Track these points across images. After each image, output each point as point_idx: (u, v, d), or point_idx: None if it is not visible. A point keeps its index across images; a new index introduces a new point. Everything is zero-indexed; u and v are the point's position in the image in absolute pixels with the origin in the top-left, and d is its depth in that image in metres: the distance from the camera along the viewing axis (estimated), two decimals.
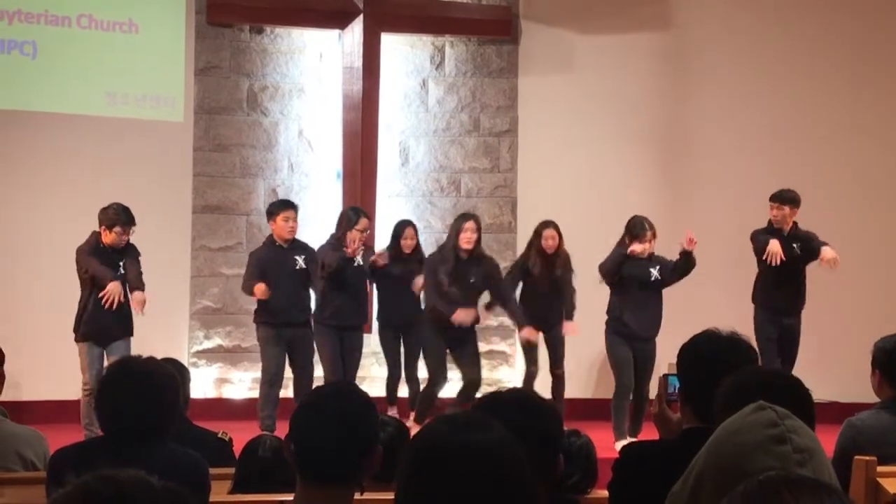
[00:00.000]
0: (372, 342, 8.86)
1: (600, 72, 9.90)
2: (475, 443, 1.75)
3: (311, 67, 9.84)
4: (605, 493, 2.98)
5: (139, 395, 3.10)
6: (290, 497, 2.49)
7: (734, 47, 9.85)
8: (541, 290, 8.25)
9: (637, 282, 7.78)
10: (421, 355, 8.17)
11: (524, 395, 2.60)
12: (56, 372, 8.45)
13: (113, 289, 7.26)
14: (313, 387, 7.57)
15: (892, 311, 8.77)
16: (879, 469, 3.63)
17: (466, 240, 7.71)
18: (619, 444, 7.66)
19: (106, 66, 9.36)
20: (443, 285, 7.66)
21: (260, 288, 7.77)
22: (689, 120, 9.91)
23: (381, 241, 9.63)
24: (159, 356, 3.53)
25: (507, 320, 9.78)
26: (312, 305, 8.07)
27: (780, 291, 7.95)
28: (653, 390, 6.15)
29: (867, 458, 3.63)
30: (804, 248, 7.98)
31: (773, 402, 1.77)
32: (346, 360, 7.95)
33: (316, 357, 8.08)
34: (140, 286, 7.48)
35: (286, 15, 9.69)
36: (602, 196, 9.69)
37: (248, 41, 9.77)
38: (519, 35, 10.01)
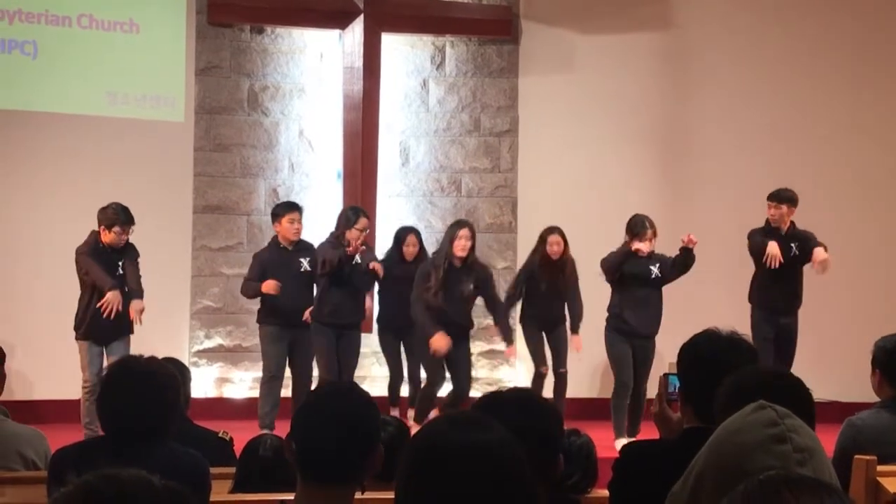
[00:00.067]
0: (372, 342, 8.86)
1: (601, 72, 9.90)
2: (475, 442, 1.75)
3: (312, 67, 9.84)
4: (605, 492, 2.98)
5: (140, 395, 3.10)
6: (290, 496, 2.49)
7: (734, 47, 9.85)
8: (544, 293, 8.26)
9: (637, 279, 7.78)
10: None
11: (524, 394, 2.60)
12: (56, 371, 8.46)
13: (112, 298, 7.27)
14: (312, 387, 7.62)
15: (893, 311, 8.77)
16: (879, 468, 3.63)
17: (461, 247, 7.66)
18: (619, 443, 7.70)
19: (106, 66, 9.36)
20: (428, 298, 7.60)
21: (271, 284, 7.77)
22: (690, 120, 9.91)
23: (381, 241, 9.64)
24: (160, 356, 3.54)
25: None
26: None
27: (777, 291, 7.95)
28: (652, 389, 6.16)
29: (867, 457, 3.63)
30: (802, 247, 7.98)
31: (774, 401, 1.77)
32: (343, 359, 7.93)
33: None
34: (139, 294, 7.49)
35: (287, 15, 9.69)
36: (602, 196, 9.69)
37: (248, 41, 9.78)
38: (519, 35, 10.01)
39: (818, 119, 9.78)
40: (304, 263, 7.92)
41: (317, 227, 8.73)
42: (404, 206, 9.90)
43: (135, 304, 7.41)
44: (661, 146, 9.90)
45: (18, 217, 9.07)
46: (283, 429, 2.49)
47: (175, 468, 2.76)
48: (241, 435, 4.59)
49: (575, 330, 8.31)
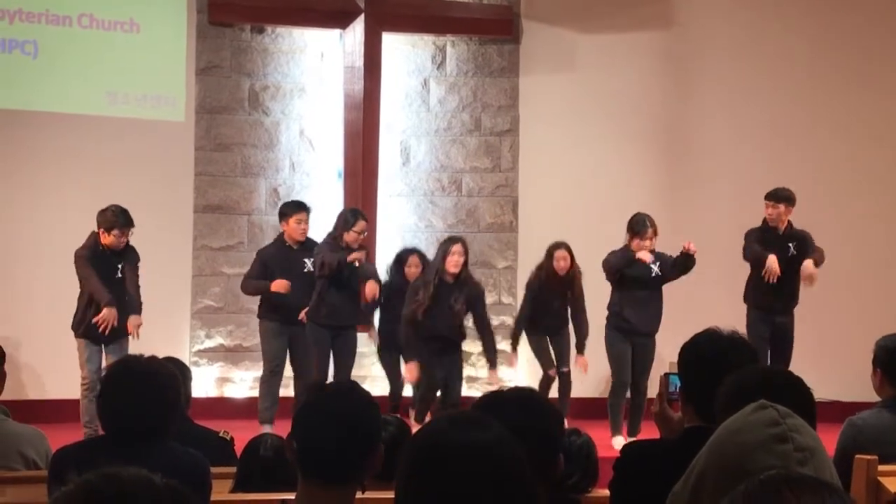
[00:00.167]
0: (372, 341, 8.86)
1: (602, 71, 9.90)
2: (475, 442, 1.75)
3: (313, 67, 9.84)
4: (605, 492, 2.98)
5: (140, 395, 3.10)
6: (291, 496, 2.49)
7: (735, 46, 9.85)
8: (550, 305, 8.28)
9: (638, 279, 7.78)
10: None
11: (525, 394, 2.60)
12: (57, 371, 8.46)
13: (107, 315, 7.30)
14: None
15: (894, 310, 8.77)
16: (880, 468, 3.63)
17: (454, 263, 7.65)
18: (616, 440, 7.71)
19: (107, 66, 9.36)
20: (416, 312, 7.61)
21: (283, 284, 7.77)
22: (691, 119, 9.91)
23: (382, 241, 9.65)
24: (161, 355, 3.54)
25: (508, 320, 9.79)
26: None
27: (773, 291, 7.93)
28: (652, 388, 6.16)
29: (868, 457, 3.63)
30: (799, 247, 7.97)
31: (774, 401, 1.77)
32: (339, 358, 7.93)
33: None
34: (136, 307, 7.49)
35: (287, 14, 9.69)
36: (603, 195, 9.69)
37: (249, 41, 9.78)
38: (520, 34, 10.01)
39: (819, 117, 9.78)
40: (308, 263, 7.93)
41: (317, 226, 8.72)
42: (405, 205, 9.90)
43: (132, 320, 7.44)
44: (662, 145, 9.90)
45: (19, 217, 9.08)
46: (283, 427, 2.49)
47: (175, 468, 2.76)
48: (241, 434, 4.59)
49: (581, 350, 8.32)
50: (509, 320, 9.85)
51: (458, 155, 10.00)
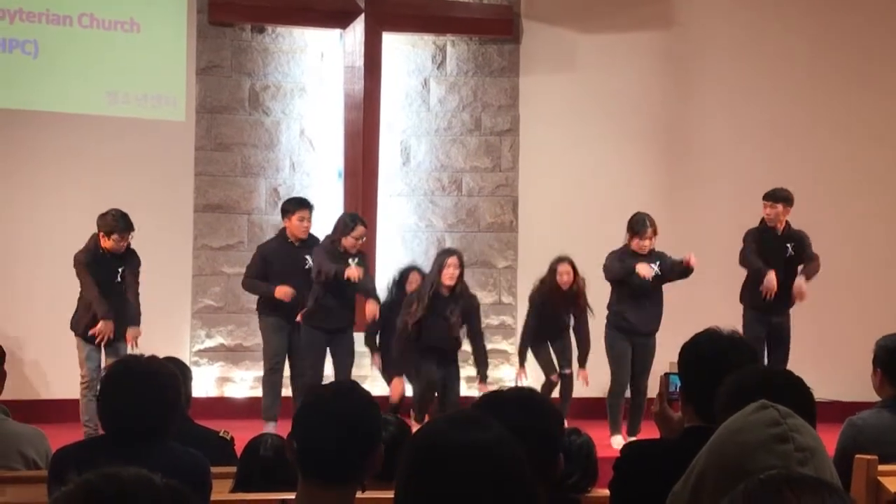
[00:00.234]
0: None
1: (602, 71, 9.90)
2: (475, 442, 1.75)
3: (313, 67, 9.84)
4: (606, 492, 2.98)
5: (141, 395, 3.10)
6: (291, 496, 2.49)
7: (736, 45, 9.85)
8: (552, 317, 8.32)
9: (640, 279, 7.79)
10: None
11: (525, 394, 2.60)
12: (57, 371, 8.47)
13: (104, 328, 7.33)
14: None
15: (894, 310, 8.77)
16: (880, 468, 3.63)
17: (449, 276, 7.65)
18: (614, 440, 7.72)
19: (107, 66, 9.36)
20: (408, 323, 7.65)
21: (288, 292, 7.77)
22: (691, 118, 9.90)
23: (383, 241, 9.65)
24: (161, 355, 3.54)
25: (508, 319, 9.81)
26: None
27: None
28: (652, 387, 6.16)
29: (868, 457, 3.63)
30: (797, 248, 7.97)
31: (775, 401, 1.77)
32: (337, 360, 7.93)
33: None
34: (135, 318, 7.50)
35: (287, 14, 9.69)
36: (603, 194, 9.68)
37: (249, 40, 9.77)
38: (520, 34, 10.01)
39: (819, 117, 9.78)
40: (310, 260, 7.92)
41: (318, 225, 8.72)
42: (405, 205, 9.90)
43: (131, 332, 7.48)
44: (662, 145, 9.90)
45: (20, 216, 9.07)
46: (285, 427, 2.49)
47: (176, 467, 2.76)
48: (241, 434, 4.59)
49: (583, 365, 8.34)
50: (510, 320, 9.87)
51: (458, 155, 10.00)
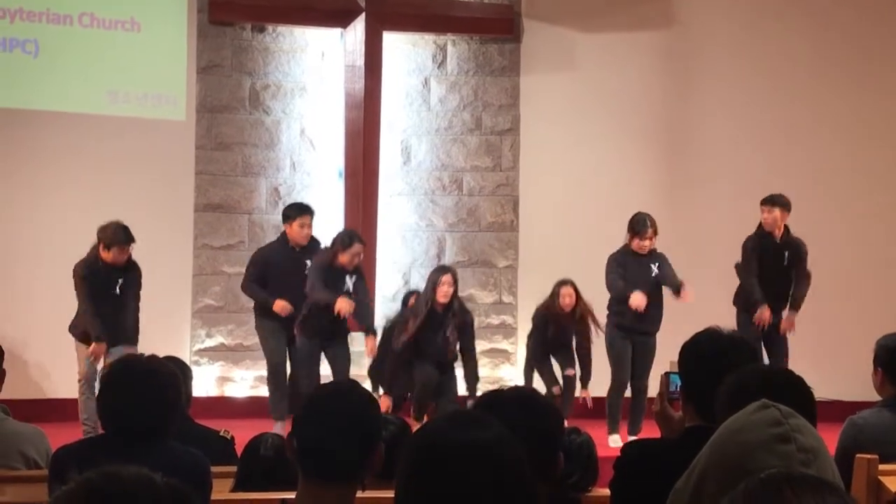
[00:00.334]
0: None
1: (602, 69, 9.90)
2: (475, 441, 1.75)
3: (313, 66, 9.84)
4: (606, 491, 2.98)
5: (141, 394, 3.10)
6: (292, 495, 2.49)
7: (736, 44, 9.84)
8: (556, 339, 8.36)
9: (639, 280, 7.80)
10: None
11: (524, 393, 2.60)
12: (57, 370, 8.47)
13: (96, 351, 7.35)
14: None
15: (894, 310, 8.76)
16: (881, 467, 3.63)
17: (443, 293, 7.80)
18: (612, 438, 7.73)
19: (108, 65, 9.36)
20: (403, 341, 7.80)
21: (281, 306, 7.79)
22: (692, 117, 9.90)
23: (383, 241, 9.64)
24: (161, 354, 3.54)
25: (508, 319, 9.81)
26: None
27: (766, 296, 7.91)
28: (652, 386, 6.17)
29: (869, 456, 3.63)
30: (793, 256, 7.95)
31: (775, 400, 1.77)
32: (336, 366, 7.91)
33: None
34: (132, 336, 7.49)
35: (288, 13, 9.69)
36: (604, 194, 9.68)
37: (249, 40, 9.77)
38: (521, 33, 10.00)
39: (820, 116, 9.78)
40: (309, 265, 7.92)
41: (318, 225, 8.72)
42: (406, 204, 9.90)
43: (125, 350, 7.44)
44: (663, 144, 9.90)
45: (20, 216, 9.07)
46: (288, 426, 2.50)
47: (176, 467, 2.75)
48: (242, 433, 4.59)
49: (585, 385, 8.39)
50: (510, 319, 9.88)
51: (458, 154, 9.99)
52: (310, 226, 8.01)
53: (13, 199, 9.08)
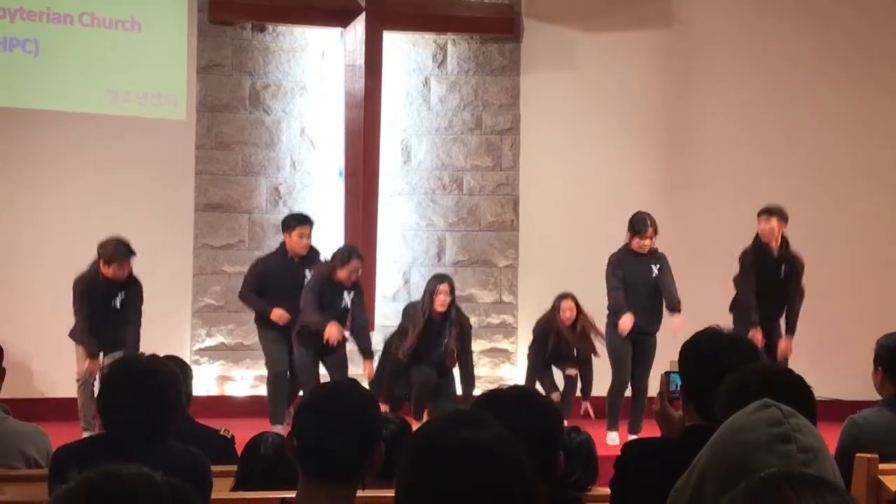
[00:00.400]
0: (373, 340, 8.85)
1: (603, 69, 9.90)
2: (475, 440, 1.75)
3: (314, 65, 9.84)
4: (606, 490, 2.98)
5: (141, 394, 3.10)
6: (292, 494, 2.49)
7: (737, 43, 9.84)
8: (557, 353, 8.37)
9: (640, 280, 7.80)
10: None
11: (524, 393, 2.60)
12: (57, 370, 8.46)
13: (91, 368, 7.36)
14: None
15: (894, 310, 8.76)
16: (881, 467, 3.63)
17: (440, 303, 7.87)
18: (610, 436, 7.74)
19: (108, 64, 9.36)
20: (403, 352, 7.86)
21: (279, 314, 7.82)
22: (692, 116, 9.90)
23: (384, 241, 9.64)
24: (161, 354, 3.54)
25: (509, 318, 9.81)
26: None
27: (761, 307, 7.88)
28: (653, 385, 6.17)
29: (869, 455, 3.63)
30: (790, 270, 7.89)
31: (775, 399, 1.77)
32: (334, 374, 7.92)
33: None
34: (133, 352, 7.47)
35: (288, 13, 9.69)
36: (604, 193, 9.68)
37: (250, 39, 9.77)
38: (521, 33, 10.00)
39: (820, 116, 9.77)
40: (308, 275, 7.95)
41: (318, 224, 8.72)
42: (406, 204, 9.90)
43: None
44: (664, 143, 9.89)
45: (20, 216, 9.07)
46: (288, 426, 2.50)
47: (176, 466, 2.75)
48: (242, 433, 4.59)
49: (586, 397, 8.43)
50: (510, 319, 9.88)
51: (459, 153, 9.99)
52: (309, 236, 8.02)
53: (13, 198, 9.07)
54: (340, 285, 7.78)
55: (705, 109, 9.85)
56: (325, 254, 8.12)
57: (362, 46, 9.53)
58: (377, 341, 8.84)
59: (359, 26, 9.56)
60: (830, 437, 2.61)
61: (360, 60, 9.52)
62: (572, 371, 8.39)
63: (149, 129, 9.38)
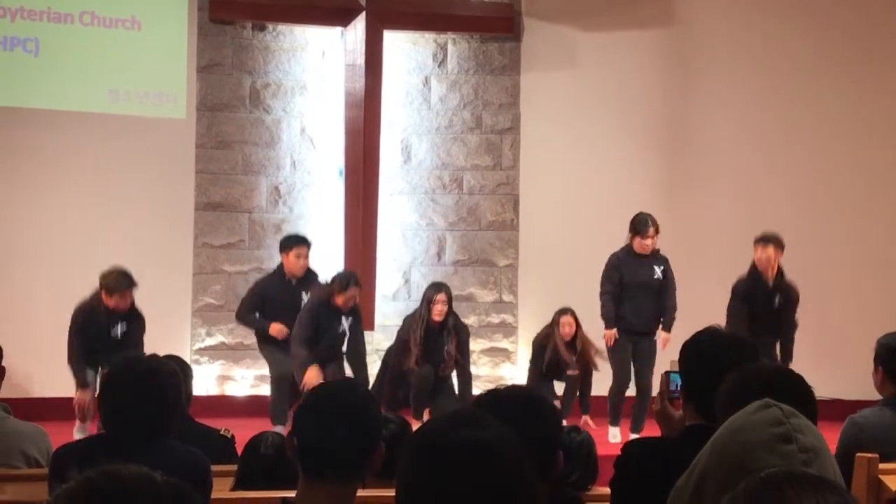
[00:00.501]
0: (374, 339, 8.85)
1: (603, 68, 9.90)
2: (475, 440, 1.75)
3: (314, 65, 9.84)
4: (606, 490, 2.98)
5: (141, 394, 3.10)
6: (292, 494, 2.49)
7: (737, 43, 9.84)
8: (556, 367, 8.40)
9: (640, 281, 7.81)
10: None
11: (523, 392, 2.60)
12: (58, 370, 8.44)
13: (82, 399, 7.39)
14: None
15: (894, 310, 8.76)
16: (881, 466, 3.63)
17: (438, 311, 7.98)
18: (612, 431, 7.75)
19: (108, 64, 9.36)
20: (408, 366, 7.94)
21: (278, 329, 7.89)
22: (692, 116, 9.90)
23: (384, 241, 9.63)
24: (161, 353, 3.54)
25: (509, 318, 9.80)
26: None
27: (758, 328, 7.83)
28: (655, 385, 6.17)
29: (869, 455, 3.63)
30: (785, 299, 7.83)
31: (776, 399, 1.77)
32: (349, 357, 8.00)
33: None
34: None
35: (288, 12, 9.69)
36: (605, 193, 9.68)
37: (250, 38, 9.77)
38: (521, 32, 10.00)
39: (820, 115, 9.77)
40: (305, 298, 7.99)
41: (319, 223, 8.74)
42: (406, 203, 9.90)
43: None
44: (664, 142, 9.89)
45: (20, 216, 9.06)
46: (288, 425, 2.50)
47: (176, 466, 2.76)
48: (242, 432, 4.59)
49: (585, 411, 8.47)
50: (510, 318, 9.88)
51: (459, 153, 9.99)
52: (306, 256, 8.06)
53: (13, 198, 9.07)
54: (338, 310, 7.82)
55: (705, 109, 9.85)
56: (324, 270, 8.17)
57: (362, 46, 9.53)
58: (377, 341, 8.85)
59: (359, 25, 9.56)
60: (831, 437, 2.61)
61: (361, 60, 9.52)
62: (572, 371, 8.40)
63: (149, 128, 9.38)
